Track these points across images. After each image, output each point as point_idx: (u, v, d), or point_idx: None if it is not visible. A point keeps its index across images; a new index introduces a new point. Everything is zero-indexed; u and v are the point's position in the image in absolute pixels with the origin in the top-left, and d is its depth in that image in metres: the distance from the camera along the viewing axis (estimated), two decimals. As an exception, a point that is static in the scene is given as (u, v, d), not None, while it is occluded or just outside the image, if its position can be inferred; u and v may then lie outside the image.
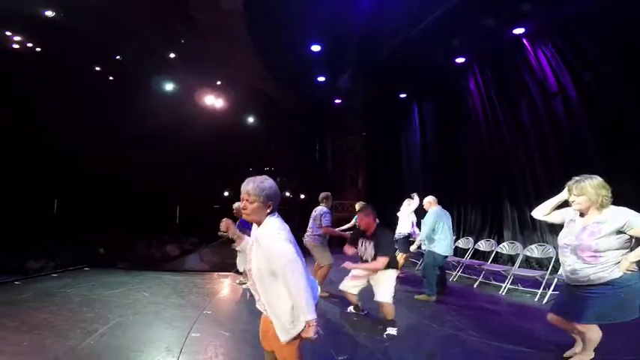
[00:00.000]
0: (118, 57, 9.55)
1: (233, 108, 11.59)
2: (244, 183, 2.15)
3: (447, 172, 9.90)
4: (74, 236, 10.39)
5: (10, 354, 3.34)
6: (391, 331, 4.05)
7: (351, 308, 4.87)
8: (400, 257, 7.03)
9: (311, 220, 5.83)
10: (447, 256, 5.74)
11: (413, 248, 6.41)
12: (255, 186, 2.11)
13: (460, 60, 8.65)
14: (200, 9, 7.28)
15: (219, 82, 10.86)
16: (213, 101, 11.07)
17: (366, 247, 4.19)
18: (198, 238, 11.79)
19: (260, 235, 2.10)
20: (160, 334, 4.07)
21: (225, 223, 2.40)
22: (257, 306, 2.23)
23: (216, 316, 4.79)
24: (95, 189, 11.01)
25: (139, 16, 7.43)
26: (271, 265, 2.00)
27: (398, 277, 6.63)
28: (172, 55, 9.41)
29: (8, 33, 7.94)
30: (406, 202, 7.35)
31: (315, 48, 8.26)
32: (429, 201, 6.02)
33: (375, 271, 4.10)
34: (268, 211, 2.12)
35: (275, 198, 2.15)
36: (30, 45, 8.42)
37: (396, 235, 7.00)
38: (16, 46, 8.28)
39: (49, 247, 9.39)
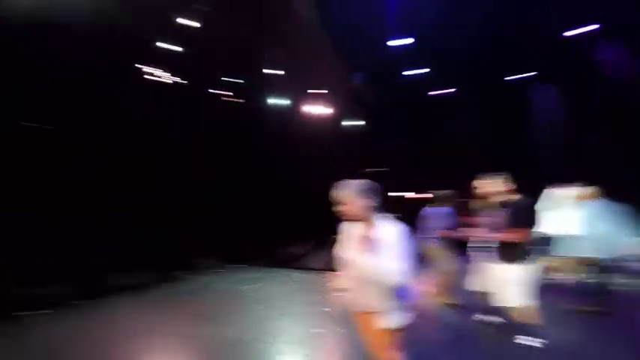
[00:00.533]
0: (239, 80, 11.02)
1: (339, 113, 12.02)
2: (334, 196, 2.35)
3: (605, 155, 8.09)
4: (227, 238, 12.38)
5: (171, 336, 4.22)
6: (529, 340, 3.51)
7: (484, 316, 4.28)
8: (554, 261, 6.11)
9: (428, 223, 5.41)
10: (610, 259, 4.69)
11: (563, 252, 5.35)
12: (342, 191, 2.30)
13: (586, 29, 7.13)
14: (287, 23, 7.81)
15: (323, 90, 11.40)
16: (321, 110, 11.74)
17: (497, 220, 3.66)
18: (320, 239, 12.59)
19: (381, 230, 2.24)
20: (286, 328, 4.55)
21: None
22: (356, 303, 2.36)
23: (334, 313, 5.07)
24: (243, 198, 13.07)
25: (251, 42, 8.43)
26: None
27: (554, 287, 5.77)
28: (278, 72, 10.29)
29: (149, 68, 9.95)
30: (548, 193, 6.25)
31: (408, 40, 7.96)
32: (582, 193, 4.99)
33: (506, 242, 3.52)
34: (371, 203, 2.26)
35: (370, 189, 2.29)
36: (168, 76, 10.33)
37: (540, 235, 6.03)
38: (154, 78, 10.13)
39: (210, 248, 11.37)
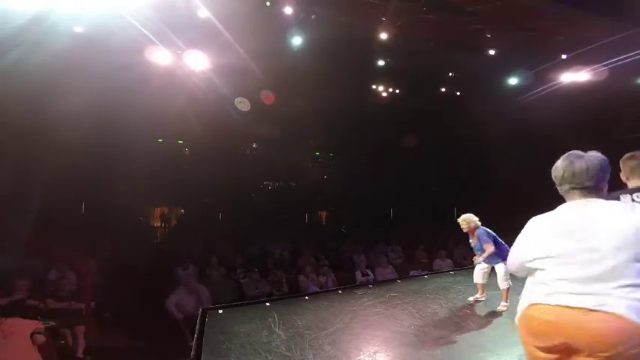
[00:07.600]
0: (451, 74, 10.59)
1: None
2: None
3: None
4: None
5: (394, 332, 4.50)
6: None
7: None
8: None
9: None
10: None
11: None
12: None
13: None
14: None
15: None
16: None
17: None
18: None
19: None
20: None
21: None
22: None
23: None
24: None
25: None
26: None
27: None
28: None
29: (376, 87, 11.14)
30: None
31: None
32: None
33: None
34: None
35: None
36: (390, 90, 11.22)
37: None
38: (385, 94, 11.38)
39: (452, 249, 11.31)
